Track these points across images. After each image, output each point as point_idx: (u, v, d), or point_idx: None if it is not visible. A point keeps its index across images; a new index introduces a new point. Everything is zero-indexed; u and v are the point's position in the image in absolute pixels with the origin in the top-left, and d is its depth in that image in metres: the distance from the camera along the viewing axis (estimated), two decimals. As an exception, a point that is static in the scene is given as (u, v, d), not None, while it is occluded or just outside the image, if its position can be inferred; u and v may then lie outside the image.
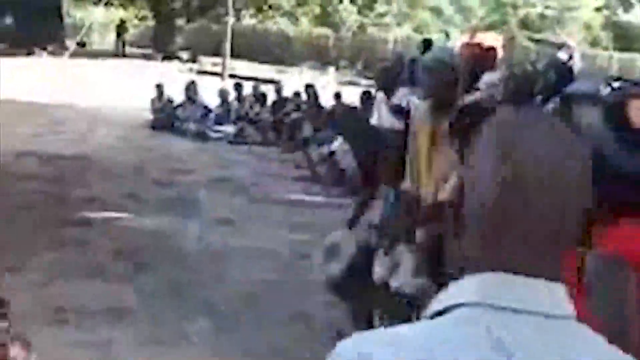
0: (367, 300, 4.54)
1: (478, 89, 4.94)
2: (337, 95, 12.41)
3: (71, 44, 28.48)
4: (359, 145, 5.09)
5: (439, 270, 4.12)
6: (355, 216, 5.15)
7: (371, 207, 5.12)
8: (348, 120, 5.16)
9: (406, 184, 4.67)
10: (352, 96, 11.73)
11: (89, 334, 4.63)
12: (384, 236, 4.69)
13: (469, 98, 4.44)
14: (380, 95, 6.86)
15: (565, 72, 5.20)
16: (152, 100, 14.17)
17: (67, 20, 33.21)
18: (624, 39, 38.71)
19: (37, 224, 6.75)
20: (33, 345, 2.66)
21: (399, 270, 4.33)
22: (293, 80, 19.64)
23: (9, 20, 29.45)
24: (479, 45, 5.49)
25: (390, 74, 6.74)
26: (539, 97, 5.00)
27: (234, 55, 26.58)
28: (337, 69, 28.90)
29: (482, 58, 5.14)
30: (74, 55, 26.27)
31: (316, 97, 12.51)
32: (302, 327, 5.02)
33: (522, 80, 4.69)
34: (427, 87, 4.46)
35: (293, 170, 10.51)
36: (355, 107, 5.88)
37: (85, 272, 5.73)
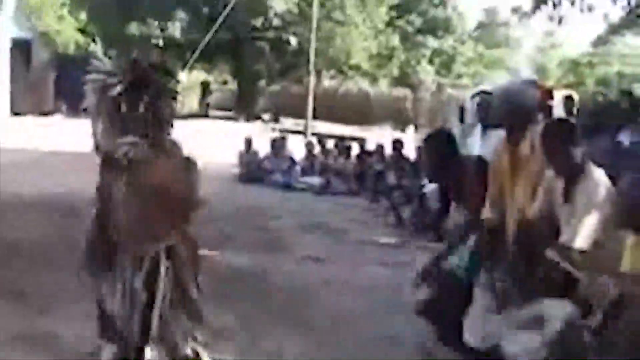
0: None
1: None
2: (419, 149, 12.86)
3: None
4: (443, 175, 5.41)
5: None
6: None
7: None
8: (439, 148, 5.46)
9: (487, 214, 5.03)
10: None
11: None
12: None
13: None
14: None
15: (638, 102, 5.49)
16: (240, 154, 14.86)
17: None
18: None
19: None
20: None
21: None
22: (375, 137, 20.19)
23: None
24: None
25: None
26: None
27: (316, 116, 27.32)
28: (416, 128, 29.39)
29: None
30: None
31: (402, 149, 12.96)
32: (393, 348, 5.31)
33: (596, 109, 5.01)
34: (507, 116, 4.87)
35: (379, 217, 10.96)
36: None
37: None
